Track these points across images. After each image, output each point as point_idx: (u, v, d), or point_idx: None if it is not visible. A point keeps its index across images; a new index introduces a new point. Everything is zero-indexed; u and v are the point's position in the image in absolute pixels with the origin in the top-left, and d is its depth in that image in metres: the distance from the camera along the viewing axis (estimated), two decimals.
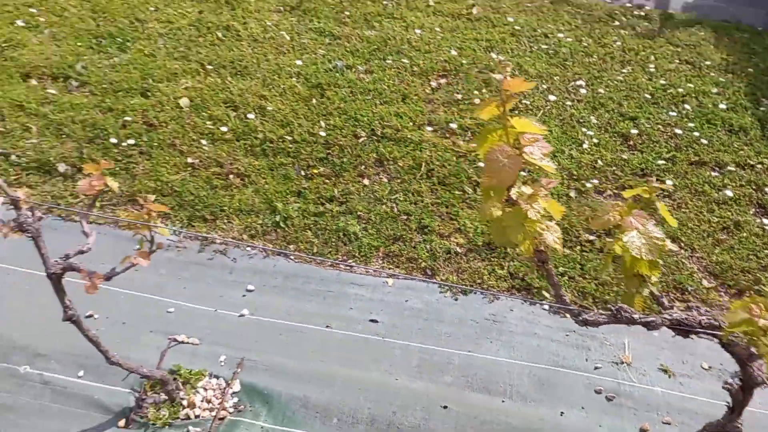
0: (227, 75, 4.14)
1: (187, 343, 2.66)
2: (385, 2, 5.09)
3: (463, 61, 4.47)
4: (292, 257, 3.13)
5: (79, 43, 4.23)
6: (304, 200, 3.38)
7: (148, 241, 1.94)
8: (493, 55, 4.55)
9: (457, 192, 3.47)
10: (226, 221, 3.24)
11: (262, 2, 4.91)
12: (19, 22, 4.33)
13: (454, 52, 4.56)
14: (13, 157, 3.38)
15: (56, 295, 1.98)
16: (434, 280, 3.03)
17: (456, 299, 2.95)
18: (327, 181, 3.52)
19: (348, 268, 3.10)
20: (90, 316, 2.69)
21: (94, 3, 4.66)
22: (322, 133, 3.77)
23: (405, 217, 3.34)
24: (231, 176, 3.47)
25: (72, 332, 2.61)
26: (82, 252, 1.99)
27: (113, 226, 3.11)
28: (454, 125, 3.90)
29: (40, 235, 1.89)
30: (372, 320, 2.82)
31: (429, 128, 3.89)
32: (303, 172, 3.56)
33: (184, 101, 3.86)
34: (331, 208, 3.35)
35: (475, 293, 2.98)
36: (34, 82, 3.90)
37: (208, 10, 4.74)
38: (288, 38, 4.55)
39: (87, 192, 2.01)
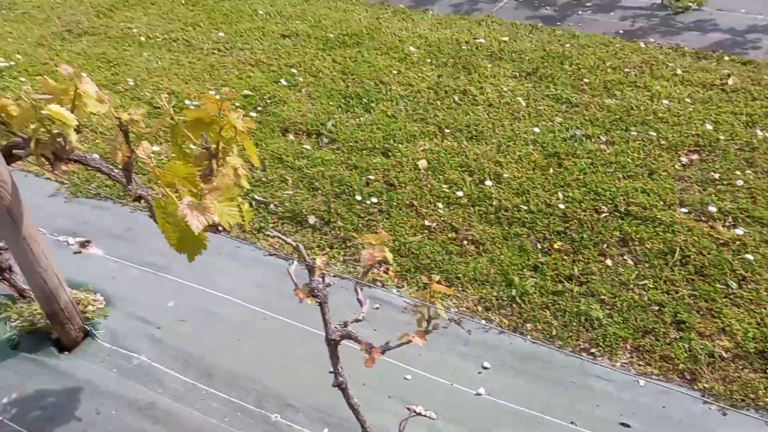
0: (463, 139, 4.18)
1: (425, 416, 2.60)
2: (626, 70, 4.84)
3: (720, 137, 4.04)
4: (528, 337, 2.97)
5: (330, 102, 4.58)
6: (542, 276, 3.22)
7: (426, 320, 1.92)
8: (758, 132, 4.06)
9: (719, 285, 3.07)
10: (460, 289, 3.19)
11: (497, 68, 4.95)
12: (282, 81, 4.83)
13: (708, 126, 4.15)
14: (271, 206, 3.69)
15: (330, 360, 2.03)
16: (695, 389, 2.66)
17: (724, 414, 2.55)
18: (565, 257, 3.33)
19: (591, 357, 2.86)
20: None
21: (344, 65, 5.05)
22: (561, 206, 3.60)
23: (656, 307, 3.01)
24: (465, 242, 3.43)
25: (319, 386, 2.70)
26: (357, 320, 2.03)
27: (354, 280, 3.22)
28: (712, 208, 3.50)
29: (326, 302, 1.96)
30: (623, 424, 2.54)
31: (682, 209, 3.53)
32: (539, 245, 3.41)
33: (422, 163, 3.96)
34: (571, 288, 3.15)
35: (748, 410, 2.56)
36: (291, 137, 4.27)
37: (446, 75, 4.88)
38: (524, 104, 4.50)
39: (369, 262, 2.06)
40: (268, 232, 1.99)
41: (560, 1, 6.23)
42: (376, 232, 3.53)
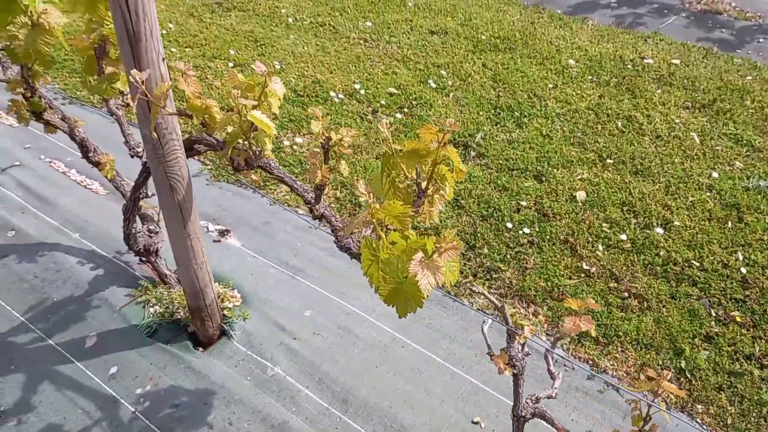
0: (626, 173, 3.79)
1: None
2: None
3: None
4: (698, 420, 2.60)
5: (480, 112, 4.29)
6: (716, 349, 2.82)
7: (643, 419, 1.63)
8: None
9: None
10: (619, 349, 2.85)
11: (667, 95, 4.48)
12: (431, 83, 4.58)
13: None
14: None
15: None
16: None
17: None
18: (744, 331, 2.90)
19: None
20: (477, 423, 2.53)
21: (495, 72, 4.74)
22: (742, 269, 3.16)
23: None
24: (627, 295, 3.08)
25: (456, 428, 2.48)
26: (550, 397, 1.77)
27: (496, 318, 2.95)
28: None
29: (522, 373, 1.70)
30: None
31: None
32: (713, 312, 3.00)
33: (580, 195, 3.61)
34: (750, 370, 2.74)
35: None
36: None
37: (608, 96, 4.47)
38: (698, 141, 4.03)
39: (572, 333, 1.78)
40: (473, 287, 1.74)
41: (738, 24, 5.61)
42: (524, 267, 3.25)
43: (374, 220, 1.52)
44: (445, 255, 1.41)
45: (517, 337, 1.68)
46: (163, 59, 1.95)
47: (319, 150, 1.82)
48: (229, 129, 1.97)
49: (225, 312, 2.84)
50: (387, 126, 1.64)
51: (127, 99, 2.42)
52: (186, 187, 2.20)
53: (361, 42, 5.12)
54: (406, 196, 1.70)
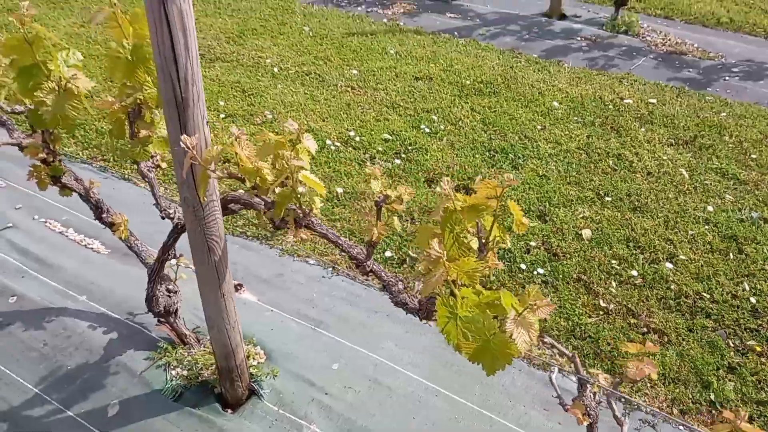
0: (626, 209, 3.89)
1: None
2: None
3: None
4: None
5: (475, 155, 4.37)
6: (741, 379, 2.87)
7: None
8: None
9: None
10: (649, 385, 2.87)
11: (651, 133, 4.66)
12: (424, 127, 4.65)
13: None
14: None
15: None
16: None
17: None
18: (764, 360, 2.98)
19: None
20: None
21: (483, 115, 4.85)
22: (751, 299, 3.26)
23: None
24: (647, 330, 3.12)
25: None
26: None
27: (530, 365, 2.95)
28: None
29: (596, 422, 1.69)
30: None
31: None
32: (730, 342, 3.07)
33: (586, 233, 3.68)
34: None
35: None
36: (438, 189, 4.06)
37: (595, 135, 4.62)
38: (687, 176, 4.19)
39: (637, 378, 1.79)
40: (543, 339, 1.74)
41: (703, 63, 5.92)
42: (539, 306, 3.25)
43: (449, 278, 1.51)
44: (538, 312, 1.41)
45: (594, 387, 1.68)
46: (207, 122, 1.93)
47: (372, 207, 1.82)
48: (277, 189, 1.95)
49: (251, 370, 2.74)
50: (448, 184, 1.65)
51: (157, 161, 2.37)
52: (222, 248, 2.14)
53: (349, 90, 5.17)
54: (466, 250, 1.70)
